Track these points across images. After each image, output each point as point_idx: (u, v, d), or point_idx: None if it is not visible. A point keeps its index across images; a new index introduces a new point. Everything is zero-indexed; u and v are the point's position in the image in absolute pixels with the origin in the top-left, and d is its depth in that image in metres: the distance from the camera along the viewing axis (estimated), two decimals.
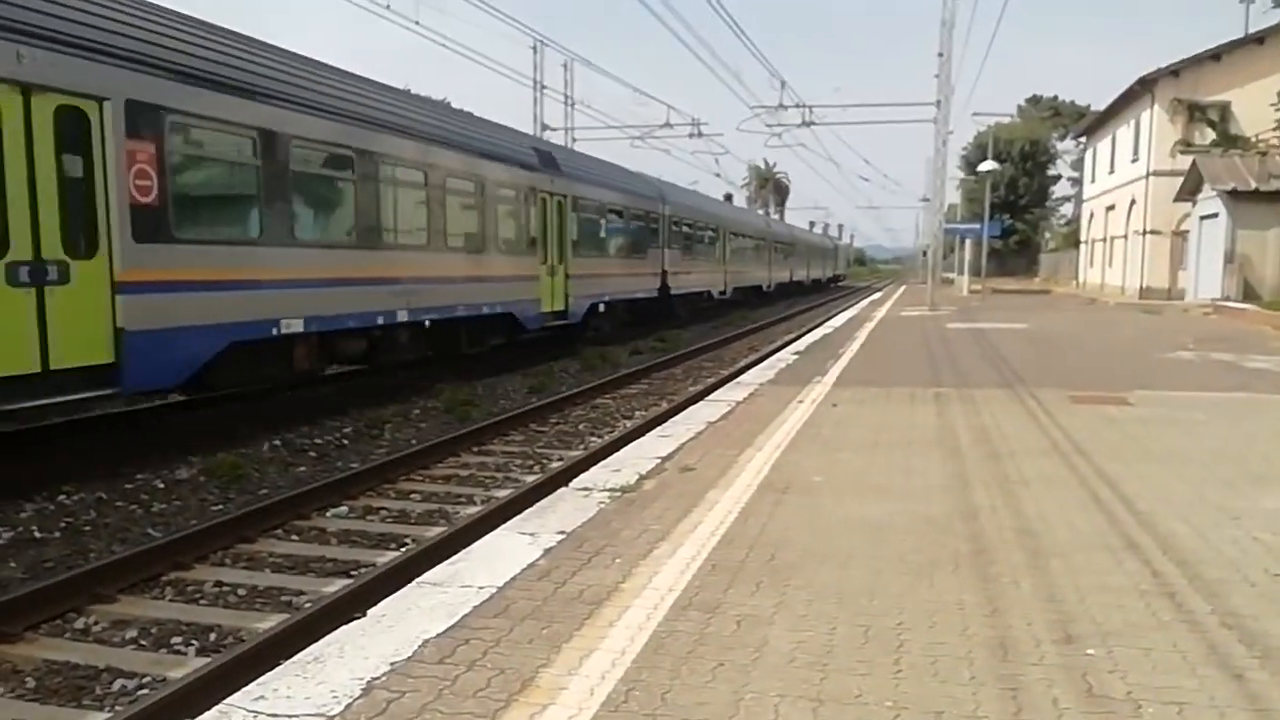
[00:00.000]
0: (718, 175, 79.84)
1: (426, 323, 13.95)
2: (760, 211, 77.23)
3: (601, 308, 21.64)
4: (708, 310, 30.85)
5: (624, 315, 23.77)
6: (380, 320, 12.71)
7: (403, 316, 13.21)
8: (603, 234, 21.94)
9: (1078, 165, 64.57)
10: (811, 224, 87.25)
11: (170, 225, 9.16)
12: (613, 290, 22.16)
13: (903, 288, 56.35)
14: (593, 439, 11.04)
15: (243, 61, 10.40)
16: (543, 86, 35.48)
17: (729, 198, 51.26)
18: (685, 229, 28.77)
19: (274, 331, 10.63)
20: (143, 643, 5.30)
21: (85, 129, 8.27)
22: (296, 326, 10.97)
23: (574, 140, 36.60)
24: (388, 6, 19.81)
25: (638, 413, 12.89)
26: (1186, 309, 29.11)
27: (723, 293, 33.81)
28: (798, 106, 34.55)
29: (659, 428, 9.04)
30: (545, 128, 35.97)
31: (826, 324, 24.37)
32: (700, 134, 38.78)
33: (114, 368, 8.45)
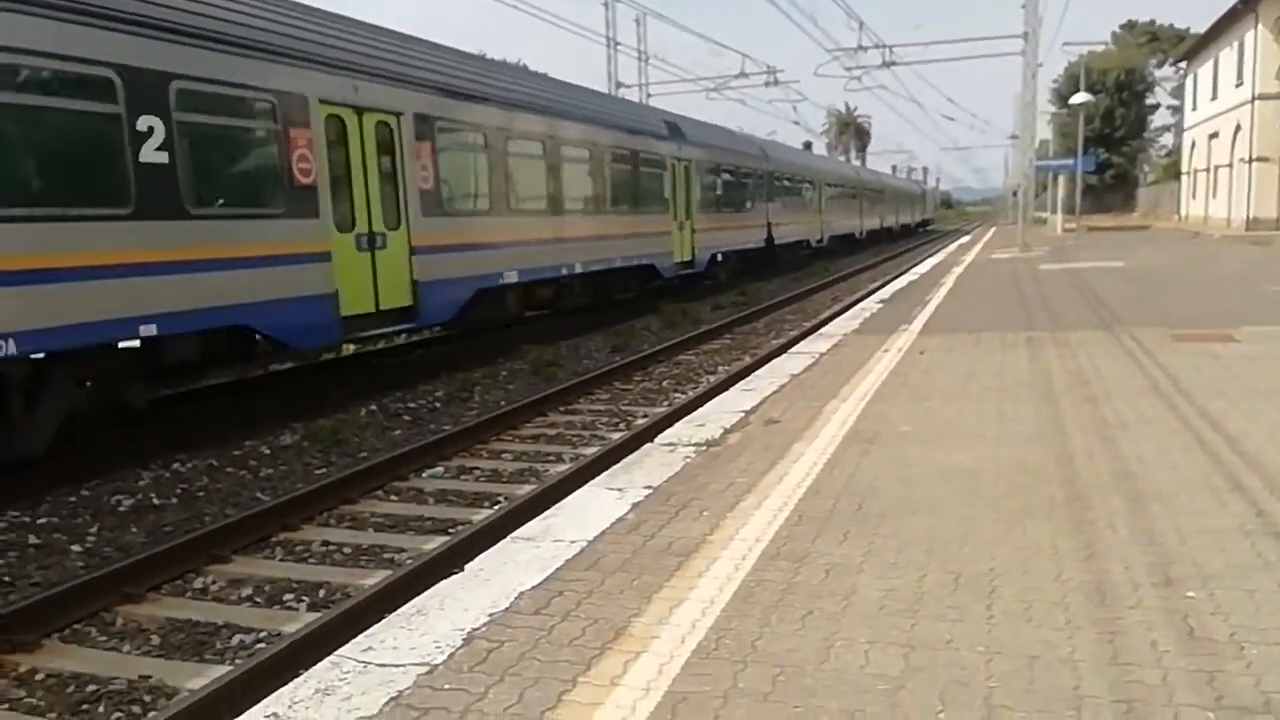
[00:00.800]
0: (796, 123, 78.41)
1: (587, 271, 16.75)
2: (841, 158, 75.71)
3: (720, 258, 24.11)
4: (793, 260, 30.99)
5: (736, 264, 26.04)
6: (564, 271, 15.84)
7: (578, 269, 16.28)
8: (719, 192, 24.31)
9: (1177, 93, 61.38)
10: (894, 168, 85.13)
11: (440, 203, 12.20)
12: (728, 242, 24.64)
13: (992, 230, 54.72)
14: (676, 395, 11.09)
15: (479, 77, 13.70)
16: (616, 43, 35.25)
17: (808, 146, 50.51)
18: (785, 183, 30.83)
19: (500, 281, 13.71)
20: (257, 600, 5.57)
21: (390, 136, 11.22)
22: (513, 278, 14.08)
23: (649, 95, 36.35)
24: None
25: (720, 368, 12.88)
26: None
27: (820, 241, 35.49)
28: (877, 47, 33.61)
29: (742, 382, 9.03)
30: (620, 85, 35.76)
31: (912, 270, 23.87)
32: (776, 82, 38.11)
33: (412, 309, 11.58)
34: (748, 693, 3.01)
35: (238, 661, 4.67)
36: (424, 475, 8.01)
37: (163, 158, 8.32)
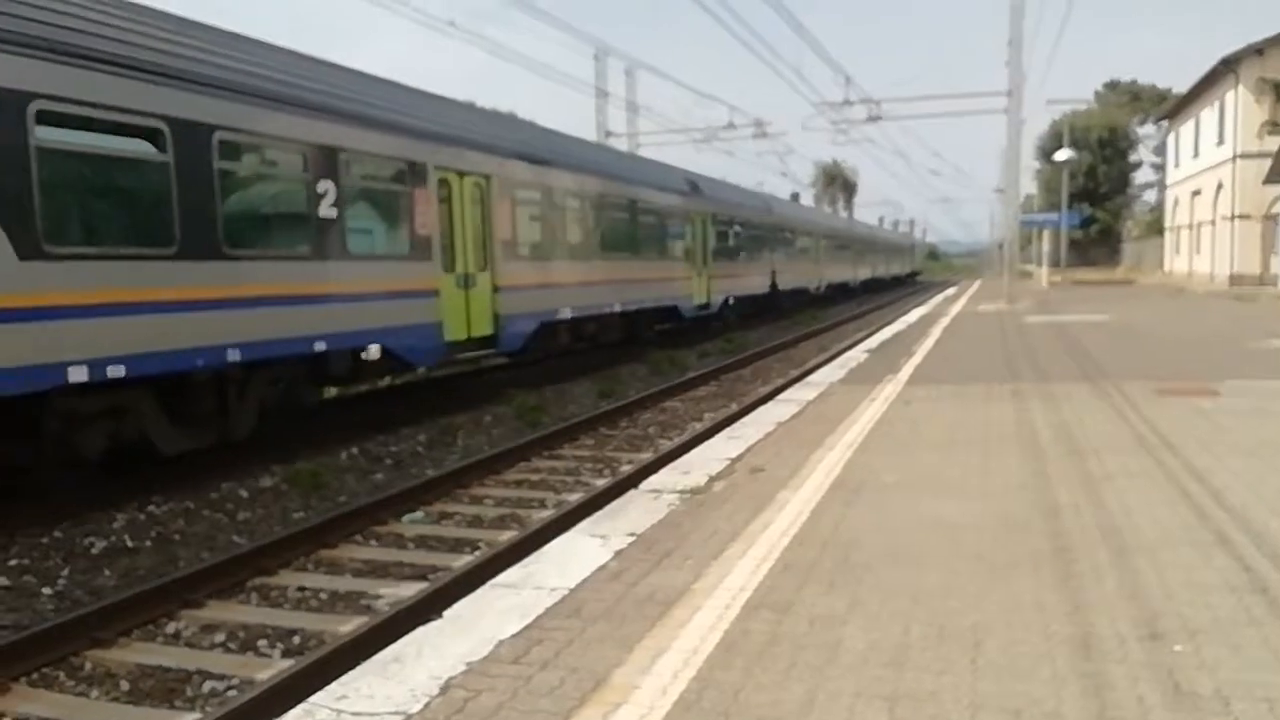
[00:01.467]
0: (784, 175, 79.46)
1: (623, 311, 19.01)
2: (828, 209, 76.61)
3: (731, 301, 26.63)
4: (763, 315, 31.40)
5: (745, 308, 28.48)
6: (606, 310, 18.06)
7: (618, 308, 18.53)
8: (730, 243, 26.94)
9: (1159, 150, 62.46)
10: (881, 219, 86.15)
11: (516, 250, 14.48)
12: (738, 288, 27.28)
13: (978, 282, 55.19)
14: (662, 442, 11.05)
15: (545, 144, 16.34)
16: (605, 94, 35.72)
17: (795, 197, 51.14)
18: (788, 235, 33.71)
19: (557, 317, 15.83)
20: (230, 646, 5.48)
21: (482, 195, 13.50)
22: (567, 314, 16.22)
23: (638, 145, 36.77)
24: (451, 24, 20.38)
25: (706, 415, 12.86)
26: None
27: (818, 289, 38.22)
28: (863, 102, 34.12)
29: (728, 429, 9.01)
30: (609, 134, 36.17)
31: (899, 321, 24.01)
32: (764, 134, 38.64)
33: (494, 337, 13.73)
34: None
35: (208, 709, 4.59)
36: (404, 520, 7.93)
37: (333, 213, 10.44)
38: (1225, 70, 34.96)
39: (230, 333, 9.04)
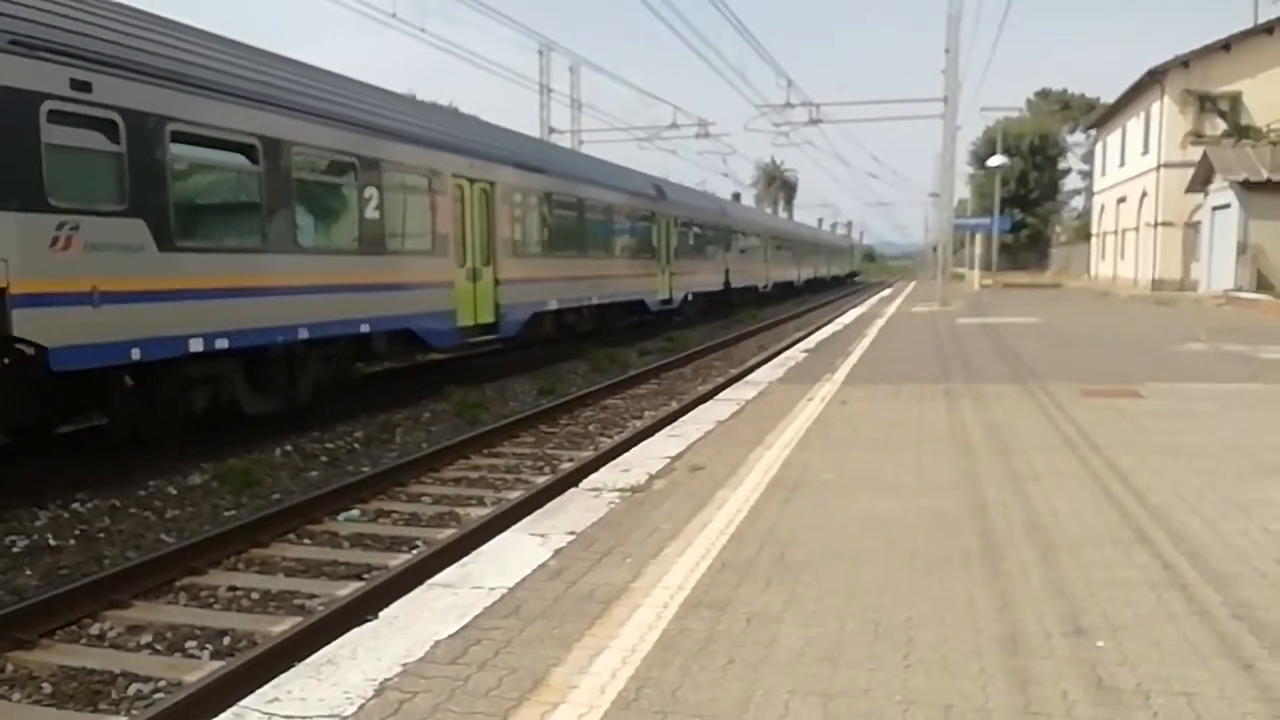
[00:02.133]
0: (725, 175, 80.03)
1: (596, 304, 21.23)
2: (768, 210, 77.36)
3: (690, 297, 28.50)
4: (717, 309, 32.56)
5: (702, 303, 30.41)
6: (585, 302, 20.37)
7: (594, 300, 20.89)
8: (690, 243, 29.00)
9: (1088, 158, 64.21)
10: (820, 220, 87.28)
11: (514, 248, 16.51)
12: (697, 284, 29.38)
13: (913, 284, 56.21)
14: (602, 439, 11.05)
15: (538, 154, 19.15)
16: (549, 90, 35.54)
17: (737, 197, 51.59)
18: (740, 236, 35.86)
19: (545, 308, 17.99)
20: (158, 647, 5.34)
21: (488, 199, 15.44)
22: (554, 305, 18.41)
23: (581, 143, 36.67)
24: (394, 15, 20.11)
25: (647, 413, 12.90)
26: (1199, 300, 28.96)
27: (765, 287, 40.21)
28: (804, 105, 34.58)
29: (668, 427, 9.05)
30: (552, 131, 36.00)
31: (835, 321, 24.35)
32: (707, 134, 38.85)
33: (495, 325, 15.68)
34: None
35: (134, 712, 4.48)
36: (340, 518, 7.81)
37: (376, 214, 12.38)
38: (1152, 81, 36.06)
39: (301, 314, 10.86)
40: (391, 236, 12.81)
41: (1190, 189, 32.68)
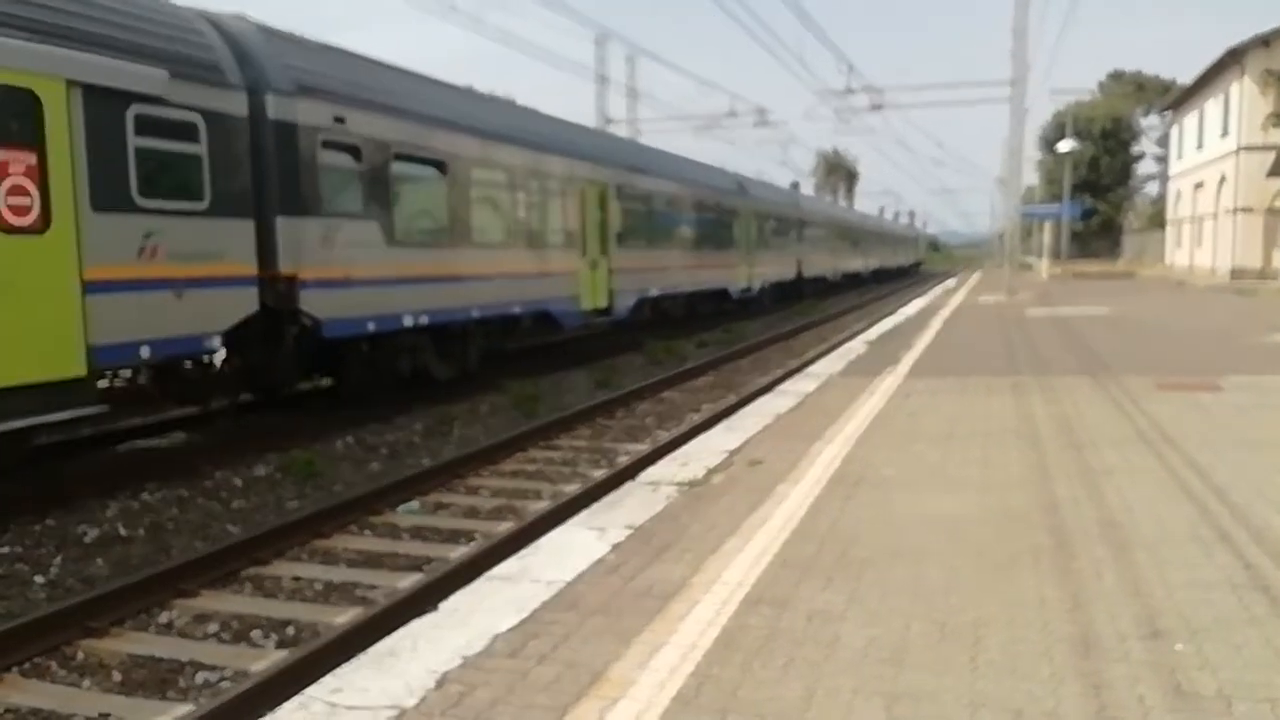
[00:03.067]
0: (784, 164, 79.45)
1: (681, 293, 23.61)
2: (829, 199, 76.68)
3: (766, 286, 30.41)
4: (789, 297, 33.63)
5: (777, 292, 32.34)
6: (679, 290, 22.76)
7: (686, 289, 23.13)
8: (767, 236, 30.93)
9: (1163, 142, 62.30)
10: (881, 210, 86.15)
11: (625, 241, 18.88)
12: (774, 275, 31.40)
13: (978, 273, 55.16)
14: (660, 433, 11.01)
15: (644, 156, 21.54)
16: (606, 80, 35.61)
17: (796, 186, 51.15)
18: (811, 229, 37.52)
19: (649, 294, 20.51)
20: (224, 636, 5.44)
21: (604, 199, 17.88)
22: (655, 292, 20.96)
23: (638, 132, 36.67)
24: (453, 8, 20.54)
25: (705, 406, 12.83)
26: None
27: (835, 276, 41.86)
28: (866, 90, 34.06)
29: (726, 420, 8.98)
30: (609, 120, 36.07)
31: (898, 312, 23.99)
32: (766, 122, 38.55)
33: (609, 309, 17.99)
34: None
35: (201, 701, 4.54)
36: (400, 510, 7.90)
37: (526, 215, 15.09)
38: (1231, 62, 34.81)
39: (473, 298, 13.45)
40: (537, 233, 15.40)
41: (1272, 173, 31.48)
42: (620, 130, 35.76)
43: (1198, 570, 4.37)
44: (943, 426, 8.05)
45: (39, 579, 6.32)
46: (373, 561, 6.68)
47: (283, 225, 9.91)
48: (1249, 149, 33.90)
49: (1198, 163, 41.46)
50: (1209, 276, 37.05)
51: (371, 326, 11.18)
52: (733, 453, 7.23)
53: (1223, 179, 36.86)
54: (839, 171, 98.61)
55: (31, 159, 7.39)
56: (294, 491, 8.56)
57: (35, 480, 8.27)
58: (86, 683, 4.87)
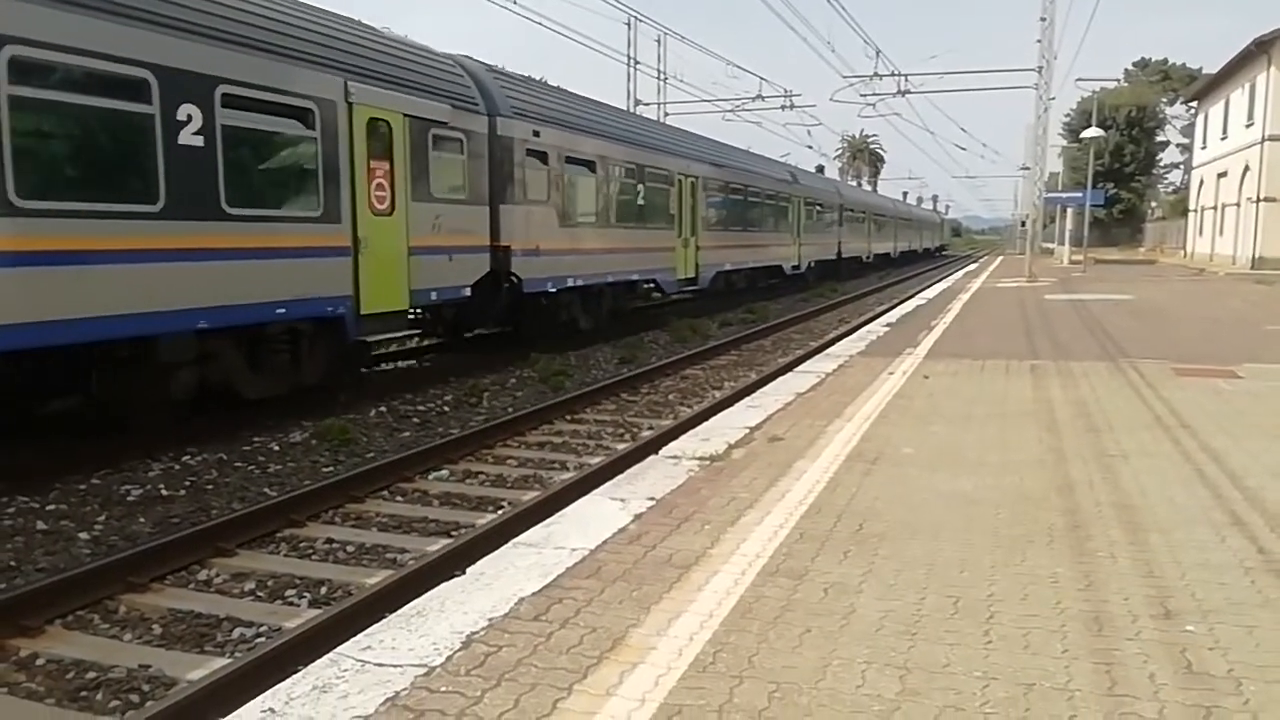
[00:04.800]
0: (810, 147, 78.93)
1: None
2: (853, 182, 76.30)
3: (812, 265, 33.83)
4: (829, 275, 35.58)
5: (819, 270, 35.21)
6: (744, 265, 26.48)
7: (750, 264, 26.91)
8: (814, 219, 34.38)
9: (1187, 131, 61.48)
10: (905, 194, 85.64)
11: (707, 223, 22.56)
12: (817, 254, 34.74)
13: (999, 259, 54.79)
14: (682, 408, 11.10)
15: (719, 151, 24.85)
16: (636, 62, 35.50)
17: (820, 169, 50.96)
18: (848, 213, 40.98)
19: (723, 269, 24.20)
20: (260, 594, 5.58)
21: (693, 188, 21.42)
22: (728, 267, 24.78)
23: (666, 115, 36.60)
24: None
25: (727, 383, 12.91)
26: None
27: (868, 257, 45.31)
28: (893, 75, 33.88)
29: (748, 398, 9.06)
30: (639, 103, 35.96)
31: (919, 296, 23.91)
32: (792, 105, 38.37)
33: (695, 279, 21.71)
34: (743, 708, 3.02)
35: (237, 654, 4.69)
36: (430, 477, 8.04)
37: (643, 201, 18.67)
38: (1258, 51, 34.30)
39: (608, 267, 17.26)
40: (649, 217, 19.10)
41: None
42: (649, 113, 35.89)
43: (1211, 553, 4.44)
44: (961, 407, 8.11)
45: (83, 535, 6.49)
46: (404, 525, 6.82)
47: (504, 211, 13.66)
48: (1275, 139, 33.48)
49: (1222, 152, 40.93)
50: (1230, 265, 36.68)
51: (550, 286, 15.10)
52: (753, 429, 7.32)
53: (1246, 168, 36.40)
54: (864, 155, 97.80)
55: (387, 167, 10.93)
56: (329, 457, 8.71)
57: (85, 442, 8.43)
58: (128, 635, 5.02)
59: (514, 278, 13.99)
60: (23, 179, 6.93)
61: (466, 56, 13.88)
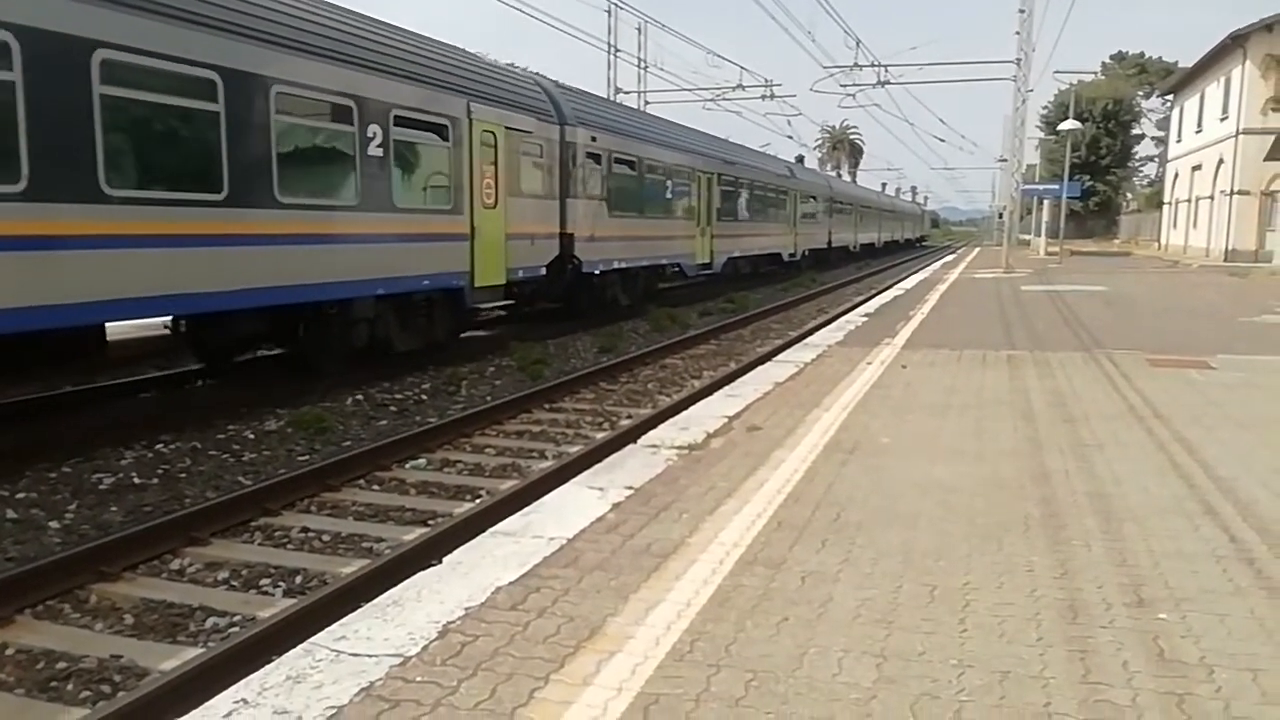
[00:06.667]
0: (789, 137, 79.12)
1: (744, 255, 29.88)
2: (832, 173, 76.58)
3: (806, 253, 36.20)
4: (777, 273, 33.85)
5: (811, 259, 37.53)
6: (750, 252, 28.83)
7: (754, 252, 29.38)
8: (808, 211, 36.88)
9: (1163, 124, 61.97)
10: (884, 185, 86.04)
11: (720, 215, 24.71)
12: (810, 243, 37.06)
13: (977, 250, 55.20)
14: (661, 398, 11.10)
15: (734, 152, 27.51)
16: (616, 50, 35.37)
17: (800, 159, 51.10)
18: (839, 205, 43.59)
19: (733, 255, 26.45)
20: (233, 584, 5.52)
21: (709, 185, 23.75)
22: (737, 254, 27.00)
23: (646, 104, 36.50)
24: None
25: (706, 373, 12.91)
26: (1274, 272, 28.00)
27: (854, 246, 47.66)
28: (872, 66, 33.98)
29: (727, 387, 9.07)
30: (619, 91, 35.85)
31: (897, 286, 24.07)
32: (773, 95, 38.42)
33: (709, 264, 24.13)
34: (720, 697, 3.03)
35: (210, 644, 4.64)
36: (407, 466, 7.98)
37: (671, 195, 21.36)
38: (1233, 46, 34.61)
39: (644, 252, 19.75)
40: (675, 208, 21.65)
41: (1269, 157, 31.48)
42: (630, 101, 35.96)
43: (1184, 542, 4.49)
44: (938, 397, 8.16)
45: (54, 524, 6.41)
46: (380, 514, 6.77)
47: (569, 204, 16.21)
48: (1248, 132, 33.82)
49: (1197, 145, 41.33)
50: (1203, 257, 37.09)
51: (601, 268, 17.59)
52: (732, 418, 7.32)
53: (1221, 161, 36.79)
54: (843, 146, 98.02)
55: (493, 169, 13.53)
56: (304, 446, 8.64)
57: (53, 429, 8.33)
58: (99, 625, 4.95)
59: (575, 260, 16.41)
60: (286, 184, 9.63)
61: (540, 75, 17.13)
